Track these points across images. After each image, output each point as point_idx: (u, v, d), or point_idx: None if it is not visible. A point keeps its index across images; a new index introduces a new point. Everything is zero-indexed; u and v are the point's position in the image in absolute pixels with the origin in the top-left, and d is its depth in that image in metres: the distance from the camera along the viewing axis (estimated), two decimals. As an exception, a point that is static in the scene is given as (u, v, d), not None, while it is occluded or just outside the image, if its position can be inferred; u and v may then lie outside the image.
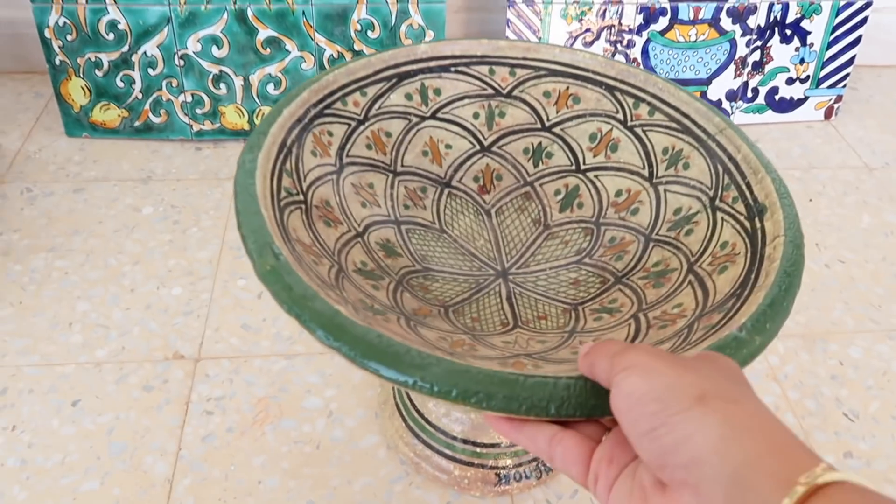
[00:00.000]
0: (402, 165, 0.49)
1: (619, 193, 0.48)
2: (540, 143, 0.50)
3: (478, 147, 0.50)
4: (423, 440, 0.52)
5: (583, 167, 0.49)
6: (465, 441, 0.50)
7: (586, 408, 0.29)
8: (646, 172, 0.47)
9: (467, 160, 0.51)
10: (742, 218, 0.41)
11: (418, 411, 0.52)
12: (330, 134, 0.45)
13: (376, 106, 0.47)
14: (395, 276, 0.43)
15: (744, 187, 0.42)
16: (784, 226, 0.37)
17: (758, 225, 0.39)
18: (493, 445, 0.50)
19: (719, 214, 0.43)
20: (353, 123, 0.46)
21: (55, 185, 0.76)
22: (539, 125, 0.50)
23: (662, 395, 0.24)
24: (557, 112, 0.50)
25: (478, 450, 0.50)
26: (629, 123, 0.48)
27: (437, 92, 0.49)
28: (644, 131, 0.48)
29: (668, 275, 0.43)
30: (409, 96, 0.49)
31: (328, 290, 0.32)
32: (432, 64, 0.49)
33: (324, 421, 0.56)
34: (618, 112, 0.49)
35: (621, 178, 0.48)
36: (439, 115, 0.50)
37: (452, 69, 0.49)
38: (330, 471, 0.53)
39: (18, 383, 0.57)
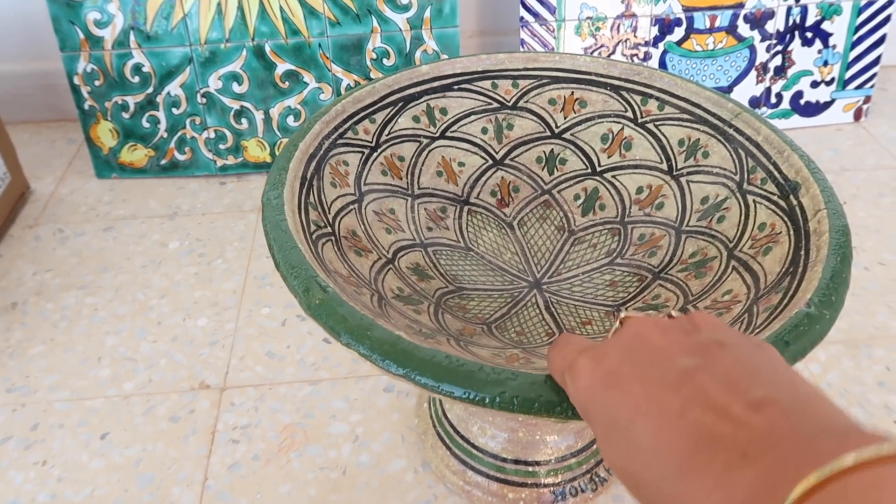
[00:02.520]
0: (420, 188, 0.48)
1: (640, 190, 0.47)
2: (552, 151, 0.50)
3: (490, 161, 0.50)
4: (472, 466, 0.50)
5: (598, 169, 0.49)
6: (516, 462, 0.49)
7: None
8: (664, 166, 0.46)
9: (482, 175, 0.50)
10: (775, 198, 0.40)
11: (463, 437, 0.50)
12: (346, 164, 0.45)
13: (386, 132, 0.48)
14: (432, 300, 0.43)
15: (771, 168, 0.41)
16: (823, 199, 0.36)
17: (794, 202, 0.38)
18: (545, 462, 0.49)
19: (750, 198, 0.42)
20: (367, 151, 0.46)
21: (86, 225, 0.78)
22: (548, 133, 0.50)
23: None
24: (565, 118, 0.49)
25: (530, 469, 0.49)
26: (640, 120, 0.47)
27: (444, 111, 0.49)
28: (656, 126, 0.47)
29: (708, 264, 0.42)
30: (416, 118, 0.49)
31: (378, 318, 0.32)
32: (435, 84, 0.49)
33: (350, 446, 0.55)
34: (626, 111, 0.48)
35: (640, 175, 0.47)
36: (448, 133, 0.50)
37: (455, 87, 0.49)
38: (357, 496, 0.51)
39: (49, 418, 0.58)
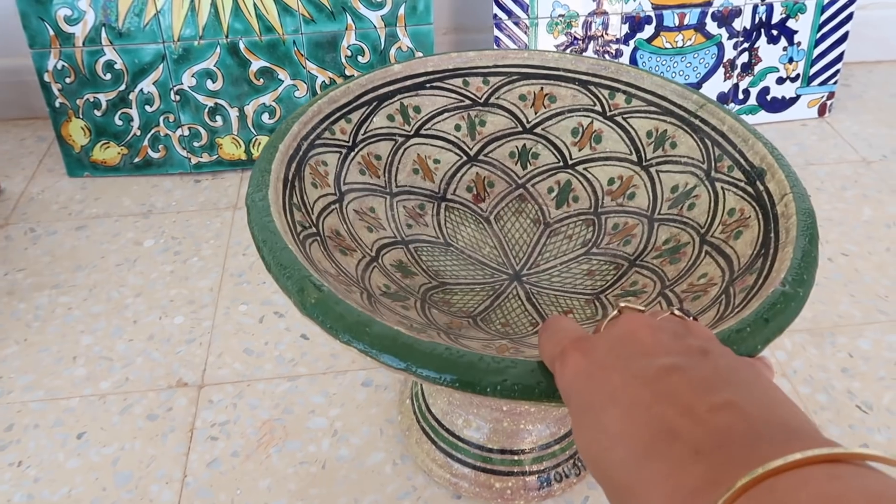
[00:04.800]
0: (397, 186, 0.49)
1: (611, 181, 0.49)
2: (524, 146, 0.51)
3: (465, 158, 0.51)
4: (458, 458, 0.50)
5: (570, 162, 0.50)
6: (501, 451, 0.49)
7: None
8: (634, 157, 0.48)
9: (457, 172, 0.51)
10: (742, 184, 0.42)
11: (448, 430, 0.51)
12: (325, 164, 0.46)
13: (362, 131, 0.48)
14: (417, 295, 0.43)
15: (736, 155, 0.43)
16: (788, 184, 0.38)
17: (761, 187, 0.40)
18: (529, 451, 0.50)
19: (718, 185, 0.43)
20: (344, 151, 0.47)
21: (58, 223, 0.77)
22: (520, 128, 0.51)
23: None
24: (536, 113, 0.51)
25: (515, 457, 0.49)
26: (608, 114, 0.49)
27: (417, 109, 0.50)
28: (625, 119, 0.48)
29: (681, 249, 0.44)
30: (391, 117, 0.49)
31: (373, 315, 0.32)
32: (408, 83, 0.50)
33: (329, 440, 0.55)
34: (595, 105, 0.49)
35: (611, 167, 0.49)
36: (423, 131, 0.50)
37: (428, 85, 0.50)
38: (336, 490, 0.52)
39: (24, 419, 0.57)
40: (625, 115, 0.49)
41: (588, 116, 0.50)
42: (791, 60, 0.87)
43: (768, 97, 0.89)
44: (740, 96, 0.88)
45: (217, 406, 0.58)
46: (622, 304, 0.27)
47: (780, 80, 0.88)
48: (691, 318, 0.27)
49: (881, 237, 0.73)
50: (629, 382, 0.22)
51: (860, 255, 0.71)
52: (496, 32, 0.82)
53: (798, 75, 0.88)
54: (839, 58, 0.88)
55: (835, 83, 0.90)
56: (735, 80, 0.87)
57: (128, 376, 0.60)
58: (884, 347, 0.62)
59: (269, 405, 0.58)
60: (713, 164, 0.44)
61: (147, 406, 0.58)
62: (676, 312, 0.27)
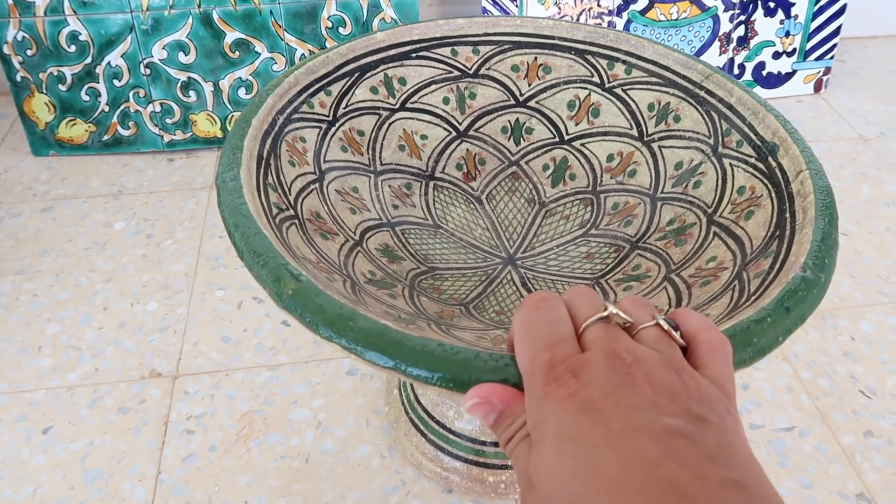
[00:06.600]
0: (382, 164, 0.46)
1: (610, 158, 0.46)
2: (517, 120, 0.48)
3: (454, 133, 0.48)
4: (449, 451, 0.47)
5: (566, 137, 0.47)
6: (496, 443, 0.47)
7: None
8: (634, 132, 0.45)
9: (446, 148, 0.48)
10: (753, 160, 0.39)
11: (438, 422, 0.48)
12: (303, 140, 0.42)
13: (343, 104, 0.45)
14: (405, 282, 0.40)
15: (746, 129, 0.40)
16: (804, 159, 0.35)
17: (773, 164, 0.37)
18: None
19: (726, 161, 0.40)
20: (324, 126, 0.44)
21: (22, 205, 0.73)
22: (513, 101, 0.48)
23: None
24: (529, 85, 0.48)
25: None
26: (607, 85, 0.46)
27: (402, 81, 0.47)
28: (625, 91, 0.45)
29: (687, 231, 0.41)
30: (374, 89, 0.46)
31: (357, 306, 0.29)
32: (392, 52, 0.46)
33: (312, 433, 0.52)
34: (593, 76, 0.46)
35: (610, 143, 0.45)
36: (408, 105, 0.47)
37: (413, 55, 0.47)
38: (321, 486, 0.49)
39: (-15, 413, 0.54)
40: (625, 87, 0.46)
41: (585, 88, 0.47)
42: (788, 34, 0.84)
43: (763, 72, 0.86)
44: (735, 71, 0.85)
45: (193, 397, 0.55)
46: (609, 312, 0.25)
47: (777, 55, 0.85)
48: (678, 332, 0.25)
49: (881, 216, 0.72)
50: (631, 433, 0.21)
51: (860, 236, 0.69)
52: (483, 3, 0.79)
53: (794, 49, 0.86)
54: (836, 31, 0.85)
55: (831, 58, 0.87)
56: (731, 55, 0.84)
57: (97, 367, 0.57)
58: (886, 330, 0.60)
59: (248, 396, 0.55)
60: (720, 138, 0.41)
61: (118, 398, 0.55)
62: (661, 322, 0.25)
